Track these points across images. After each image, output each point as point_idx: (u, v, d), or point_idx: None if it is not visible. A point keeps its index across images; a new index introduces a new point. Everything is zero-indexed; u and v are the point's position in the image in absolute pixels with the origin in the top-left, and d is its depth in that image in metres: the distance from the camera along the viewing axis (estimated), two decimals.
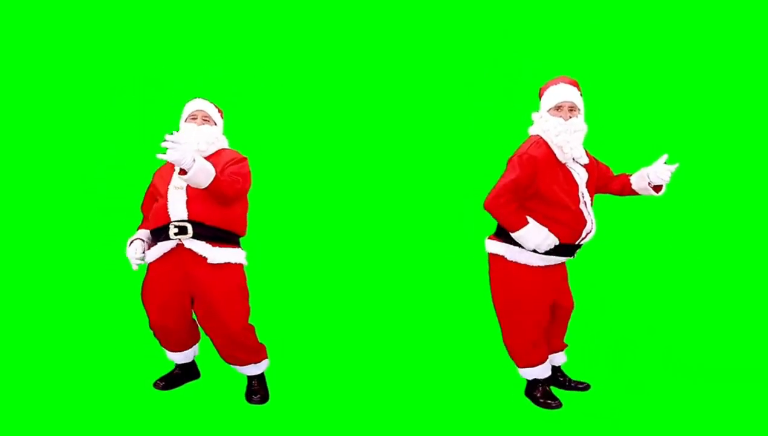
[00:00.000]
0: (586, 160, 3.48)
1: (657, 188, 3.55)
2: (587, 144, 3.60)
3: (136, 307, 4.81)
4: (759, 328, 4.62)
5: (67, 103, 5.33)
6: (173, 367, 3.90)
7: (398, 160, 5.41)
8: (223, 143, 3.73)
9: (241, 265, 3.57)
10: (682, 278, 5.20)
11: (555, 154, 3.41)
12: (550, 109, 3.44)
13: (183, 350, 3.80)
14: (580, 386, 3.74)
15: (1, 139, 5.31)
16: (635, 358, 4.19)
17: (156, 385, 3.78)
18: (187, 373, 3.88)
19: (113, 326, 4.69)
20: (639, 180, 3.55)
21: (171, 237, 3.45)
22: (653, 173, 3.48)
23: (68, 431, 3.34)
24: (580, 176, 3.46)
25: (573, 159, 3.45)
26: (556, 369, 3.79)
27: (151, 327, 3.66)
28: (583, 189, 3.44)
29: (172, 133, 3.25)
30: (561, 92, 3.43)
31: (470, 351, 4.35)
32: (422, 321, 4.87)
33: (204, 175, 3.27)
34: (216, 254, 3.46)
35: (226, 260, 3.48)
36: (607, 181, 3.66)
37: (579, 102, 3.46)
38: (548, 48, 5.35)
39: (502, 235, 3.50)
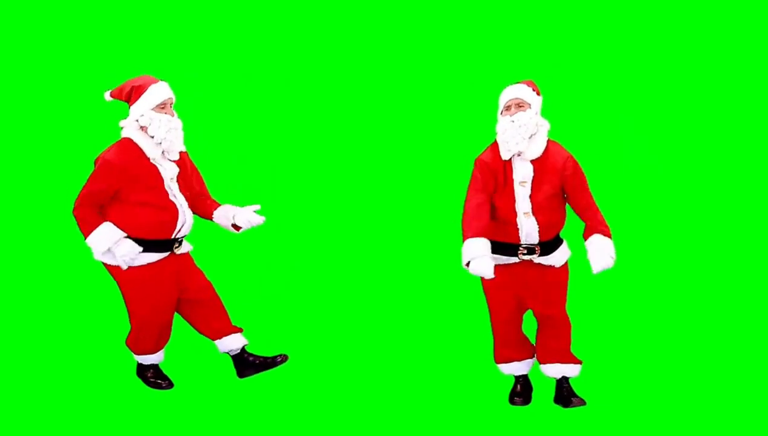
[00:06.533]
0: (533, 156, 3.42)
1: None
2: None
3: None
4: (758, 330, 4.59)
5: (56, 102, 5.33)
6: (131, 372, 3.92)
7: (391, 160, 5.42)
8: (128, 131, 3.60)
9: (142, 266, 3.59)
10: (678, 280, 5.18)
11: (499, 156, 3.44)
12: (501, 112, 3.49)
13: (163, 348, 3.83)
14: (573, 400, 3.61)
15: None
16: (631, 362, 4.17)
17: (159, 386, 3.80)
18: (161, 374, 3.89)
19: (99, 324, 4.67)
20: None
21: (176, 249, 3.65)
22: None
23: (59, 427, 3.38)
24: (519, 173, 3.42)
25: (518, 155, 3.42)
26: (560, 383, 3.69)
27: (150, 327, 3.67)
28: (518, 187, 3.42)
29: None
30: (507, 93, 3.49)
31: (467, 352, 4.33)
32: (411, 321, 4.80)
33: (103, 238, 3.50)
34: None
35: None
36: (573, 204, 3.52)
37: (528, 97, 3.45)
38: (541, 49, 5.35)
39: None
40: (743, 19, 5.31)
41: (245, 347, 3.86)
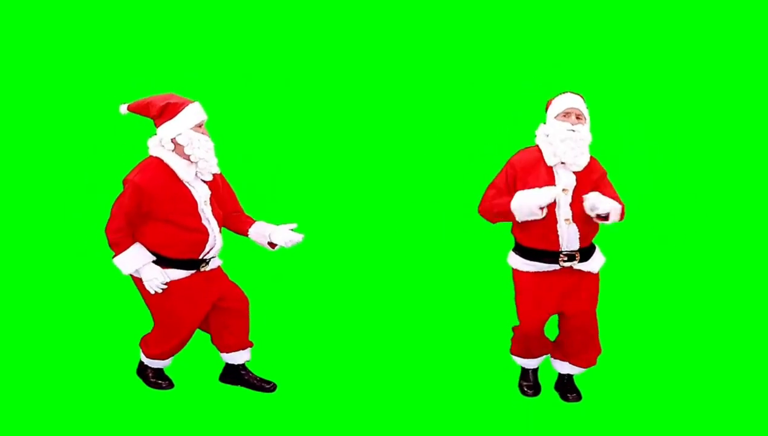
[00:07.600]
0: (577, 168, 3.42)
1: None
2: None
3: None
4: (759, 331, 4.58)
5: (55, 103, 5.32)
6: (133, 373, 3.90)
7: (407, 164, 5.42)
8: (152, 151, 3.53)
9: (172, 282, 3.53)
10: (682, 283, 5.18)
11: (543, 159, 3.44)
12: (557, 116, 3.46)
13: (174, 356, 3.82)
14: (570, 396, 3.69)
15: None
16: (631, 360, 4.17)
17: (159, 386, 3.79)
18: (162, 374, 3.88)
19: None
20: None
21: (203, 268, 3.59)
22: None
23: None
24: (563, 180, 3.41)
25: (562, 163, 3.41)
26: (562, 376, 3.77)
27: (172, 339, 3.64)
28: (559, 193, 3.37)
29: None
30: (568, 100, 3.48)
31: (474, 352, 4.33)
32: (420, 323, 4.82)
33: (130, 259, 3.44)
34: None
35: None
36: None
37: (585, 112, 3.49)
38: (558, 52, 5.34)
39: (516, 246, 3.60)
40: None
41: (245, 363, 3.85)
